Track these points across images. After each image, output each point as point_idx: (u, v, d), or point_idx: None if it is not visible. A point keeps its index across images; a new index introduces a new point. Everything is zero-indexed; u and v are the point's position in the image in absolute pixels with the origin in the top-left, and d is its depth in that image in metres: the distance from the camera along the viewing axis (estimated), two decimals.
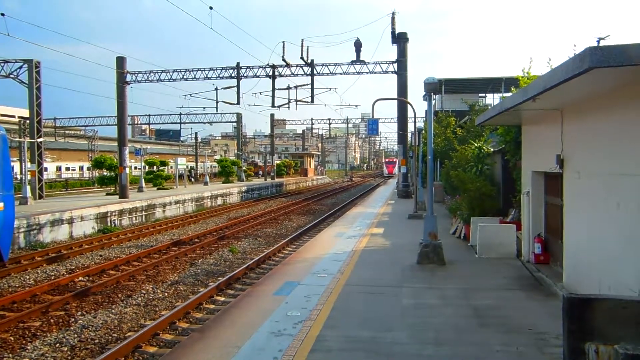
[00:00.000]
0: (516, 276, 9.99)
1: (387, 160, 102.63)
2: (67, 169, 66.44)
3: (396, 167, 67.91)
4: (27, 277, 13.33)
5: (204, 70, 31.58)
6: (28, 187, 24.04)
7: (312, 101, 31.48)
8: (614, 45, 4.89)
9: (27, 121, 31.20)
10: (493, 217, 13.61)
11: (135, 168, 46.22)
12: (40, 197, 26.95)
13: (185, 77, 31.76)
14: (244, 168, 54.00)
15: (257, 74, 31.12)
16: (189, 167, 58.03)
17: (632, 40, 5.47)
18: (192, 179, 55.19)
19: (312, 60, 30.23)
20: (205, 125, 63.47)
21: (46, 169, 37.42)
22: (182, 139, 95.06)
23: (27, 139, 26.71)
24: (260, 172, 61.45)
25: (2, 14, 20.93)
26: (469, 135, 24.78)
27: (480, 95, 40.35)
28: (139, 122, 78.40)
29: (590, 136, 7.54)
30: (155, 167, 41.83)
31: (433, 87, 11.81)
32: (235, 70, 31.22)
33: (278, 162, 65.85)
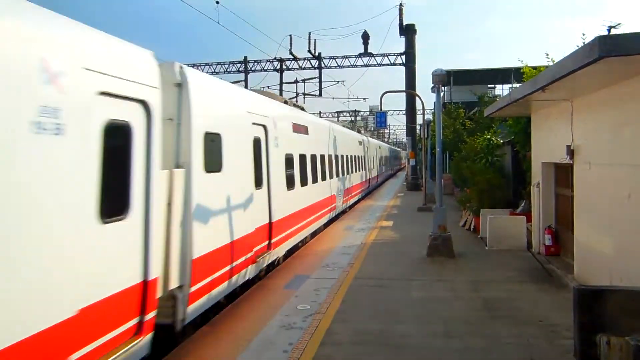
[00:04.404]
0: (526, 268, 9.95)
1: None
2: None
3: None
4: None
5: (212, 65, 31.65)
6: None
7: (320, 94, 31.48)
8: (624, 33, 4.83)
9: None
10: (503, 209, 13.53)
11: None
12: None
13: None
14: None
15: (265, 68, 31.14)
16: None
17: None
18: None
19: (319, 54, 30.15)
20: None
21: None
22: None
23: None
24: None
25: None
26: (478, 127, 24.62)
27: (489, 86, 39.95)
28: None
29: (601, 127, 7.45)
30: None
31: (441, 79, 11.73)
32: (243, 64, 31.25)
33: None
